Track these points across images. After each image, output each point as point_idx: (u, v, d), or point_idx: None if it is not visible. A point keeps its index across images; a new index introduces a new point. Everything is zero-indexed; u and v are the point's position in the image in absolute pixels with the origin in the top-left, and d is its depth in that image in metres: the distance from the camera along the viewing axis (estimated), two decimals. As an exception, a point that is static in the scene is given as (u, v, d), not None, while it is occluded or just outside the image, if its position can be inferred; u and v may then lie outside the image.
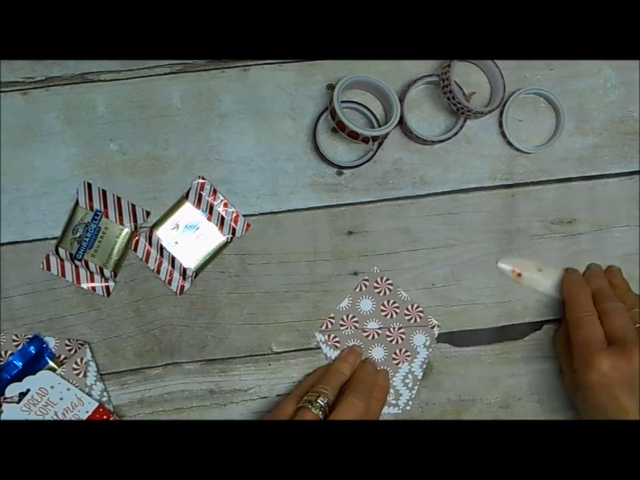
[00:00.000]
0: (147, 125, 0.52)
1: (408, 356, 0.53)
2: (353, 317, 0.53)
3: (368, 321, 0.53)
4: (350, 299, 0.53)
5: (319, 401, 0.46)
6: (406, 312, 0.53)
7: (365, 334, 0.53)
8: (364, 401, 0.47)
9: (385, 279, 0.53)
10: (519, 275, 0.53)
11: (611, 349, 0.45)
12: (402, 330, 0.53)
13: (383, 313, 0.53)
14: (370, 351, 0.53)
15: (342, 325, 0.53)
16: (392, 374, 0.53)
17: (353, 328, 0.53)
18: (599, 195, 0.54)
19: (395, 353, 0.53)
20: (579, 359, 0.46)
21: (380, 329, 0.53)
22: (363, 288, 0.53)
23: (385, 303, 0.53)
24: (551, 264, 0.53)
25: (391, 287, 0.53)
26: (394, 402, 0.53)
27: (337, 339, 0.53)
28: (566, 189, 0.54)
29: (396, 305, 0.53)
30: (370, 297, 0.53)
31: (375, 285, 0.53)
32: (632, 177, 0.54)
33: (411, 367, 0.53)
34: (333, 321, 0.53)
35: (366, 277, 0.53)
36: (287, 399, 0.49)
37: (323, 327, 0.53)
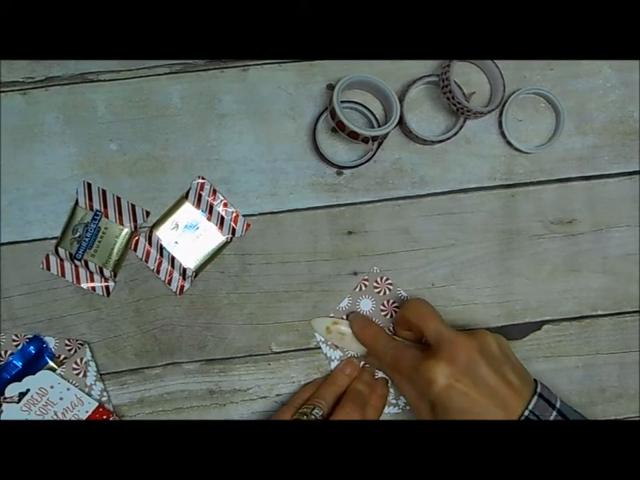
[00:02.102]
0: (146, 125, 0.52)
1: None
2: None
3: None
4: (350, 298, 0.53)
5: (314, 413, 0.46)
6: None
7: None
8: (359, 411, 0.47)
9: (384, 278, 0.53)
10: (343, 334, 0.52)
11: (433, 356, 0.44)
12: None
13: (383, 313, 0.53)
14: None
15: None
16: None
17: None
18: (599, 195, 0.54)
19: None
20: (418, 383, 0.45)
21: None
22: (363, 288, 0.53)
23: (385, 302, 0.53)
24: (548, 265, 0.54)
25: (390, 287, 0.53)
26: (394, 402, 0.53)
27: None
28: (566, 189, 0.54)
29: (396, 304, 0.53)
30: (370, 297, 0.53)
31: (375, 284, 0.53)
32: (632, 177, 0.54)
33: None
34: None
35: (366, 277, 0.53)
36: (283, 409, 0.49)
37: None
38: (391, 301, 0.53)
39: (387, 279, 0.53)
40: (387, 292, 0.53)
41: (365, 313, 0.53)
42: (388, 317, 0.53)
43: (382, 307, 0.53)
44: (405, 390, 0.47)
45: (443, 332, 0.45)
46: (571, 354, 0.54)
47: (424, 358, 0.44)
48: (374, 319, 0.53)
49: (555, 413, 0.42)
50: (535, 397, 0.42)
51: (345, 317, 0.53)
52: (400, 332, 0.51)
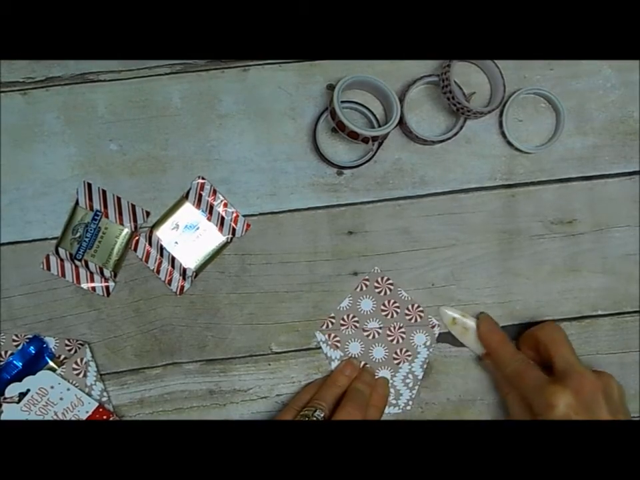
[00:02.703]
0: (146, 125, 0.52)
1: (409, 355, 0.53)
2: (354, 316, 0.53)
3: (368, 321, 0.53)
4: (350, 298, 0.53)
5: (315, 415, 0.46)
6: (406, 312, 0.53)
7: (366, 333, 0.53)
8: (360, 410, 0.47)
9: (385, 278, 0.53)
10: (467, 329, 0.53)
11: (560, 383, 0.44)
12: (402, 329, 0.53)
13: (384, 313, 0.53)
14: (371, 351, 0.53)
15: (342, 325, 0.53)
16: (392, 374, 0.53)
17: (353, 327, 0.53)
18: (599, 194, 0.54)
19: (396, 353, 0.53)
20: (536, 403, 0.45)
21: (380, 328, 0.53)
22: (364, 288, 0.53)
23: (386, 302, 0.53)
24: (548, 265, 0.54)
25: (391, 287, 0.53)
26: (394, 402, 0.53)
27: (337, 339, 0.53)
28: (566, 189, 0.54)
29: (396, 304, 0.53)
30: (370, 297, 0.53)
31: (376, 284, 0.53)
32: (632, 177, 0.54)
33: (412, 366, 0.53)
34: (333, 320, 0.53)
35: (366, 277, 0.53)
36: (284, 411, 0.50)
37: (324, 327, 0.53)
38: (392, 301, 0.53)
39: (388, 279, 0.53)
40: (388, 292, 0.53)
41: (365, 313, 0.53)
42: (389, 317, 0.53)
43: (382, 307, 0.53)
44: (515, 406, 0.48)
45: (573, 363, 0.46)
46: (571, 354, 0.54)
47: (550, 382, 0.45)
48: (375, 320, 0.53)
49: None
50: None
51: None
52: (524, 349, 0.51)
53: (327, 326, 0.53)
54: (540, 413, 0.44)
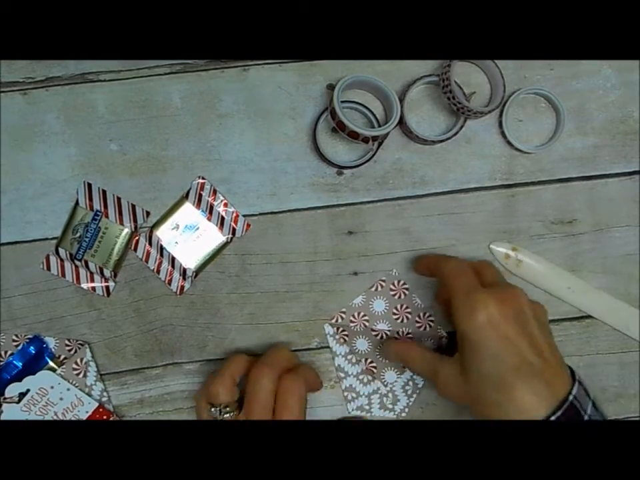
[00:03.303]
0: (146, 125, 0.52)
1: None
2: (364, 315, 0.53)
3: (378, 322, 0.53)
4: (364, 297, 0.53)
5: (225, 415, 0.45)
6: (417, 319, 0.53)
7: (374, 333, 0.53)
8: (270, 376, 0.45)
9: (402, 282, 0.53)
10: (520, 261, 0.52)
11: (492, 289, 0.43)
12: (410, 336, 0.53)
13: (395, 316, 0.53)
14: (377, 351, 0.53)
15: (352, 322, 0.53)
16: (398, 375, 0.53)
17: (362, 325, 0.53)
18: (599, 195, 0.54)
19: None
20: (462, 306, 0.42)
21: (389, 331, 0.53)
22: (379, 288, 0.53)
23: (398, 306, 0.53)
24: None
25: (406, 292, 0.53)
26: (390, 406, 0.53)
27: (345, 333, 0.53)
28: (566, 189, 0.54)
29: (408, 310, 0.53)
30: (384, 298, 0.53)
31: (392, 287, 0.53)
32: (632, 176, 0.54)
33: (414, 374, 0.53)
34: (343, 315, 0.53)
35: (383, 278, 0.53)
36: (198, 406, 0.47)
37: (333, 320, 0.53)
38: (404, 306, 0.53)
39: (404, 284, 0.53)
40: (402, 296, 0.53)
41: (376, 313, 0.53)
42: (399, 321, 0.52)
43: (394, 311, 0.53)
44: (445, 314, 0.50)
45: (500, 280, 0.46)
46: (571, 354, 0.54)
47: (479, 290, 0.43)
48: (385, 322, 0.53)
49: (590, 405, 0.40)
50: (576, 383, 0.41)
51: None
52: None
53: (337, 320, 0.53)
54: (462, 321, 0.42)
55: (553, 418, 0.39)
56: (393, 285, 0.53)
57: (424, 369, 0.47)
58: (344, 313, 0.53)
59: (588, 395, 0.41)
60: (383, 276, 0.53)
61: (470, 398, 0.43)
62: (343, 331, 0.53)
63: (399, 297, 0.53)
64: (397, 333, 0.52)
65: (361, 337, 0.53)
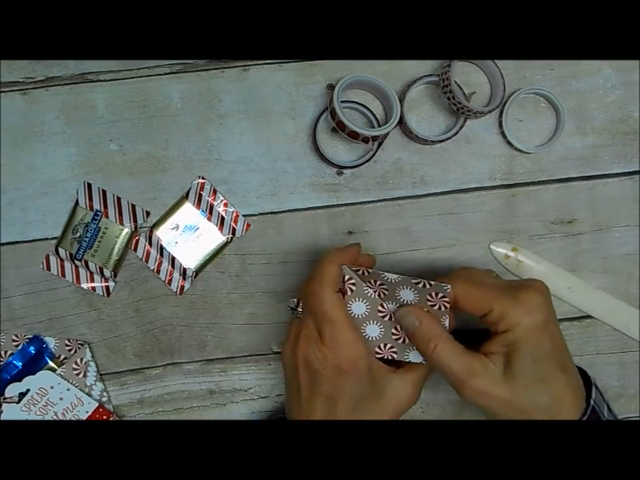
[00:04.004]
0: (146, 124, 0.52)
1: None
2: (382, 284, 0.45)
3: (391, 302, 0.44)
4: (400, 277, 0.45)
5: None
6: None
7: (381, 315, 0.44)
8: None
9: (441, 295, 0.44)
10: (520, 261, 0.51)
11: (530, 283, 0.42)
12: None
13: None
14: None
15: (369, 285, 0.44)
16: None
17: (374, 289, 0.44)
18: (599, 195, 0.54)
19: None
20: (512, 307, 0.40)
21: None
22: (427, 286, 0.45)
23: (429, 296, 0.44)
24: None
25: (447, 305, 0.44)
26: None
27: (352, 282, 0.44)
28: (566, 189, 0.54)
29: (443, 298, 0.44)
30: (414, 291, 0.44)
31: (430, 298, 0.44)
32: (632, 176, 0.54)
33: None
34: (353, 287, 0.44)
35: (431, 281, 0.45)
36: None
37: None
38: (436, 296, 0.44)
39: (444, 297, 0.44)
40: (443, 308, 0.44)
41: (404, 301, 0.44)
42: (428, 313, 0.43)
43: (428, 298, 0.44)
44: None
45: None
46: (571, 354, 0.54)
47: (514, 287, 0.41)
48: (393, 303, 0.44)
49: (606, 408, 0.40)
50: (593, 387, 0.41)
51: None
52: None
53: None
54: (510, 322, 0.40)
55: (584, 418, 0.39)
56: (431, 296, 0.44)
57: (453, 368, 0.40)
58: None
59: (603, 398, 0.42)
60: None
61: (509, 401, 0.40)
62: (351, 280, 0.44)
63: (440, 308, 0.44)
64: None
65: (359, 300, 0.44)
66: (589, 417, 0.39)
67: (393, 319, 0.44)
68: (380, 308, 0.44)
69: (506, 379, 0.40)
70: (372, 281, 0.44)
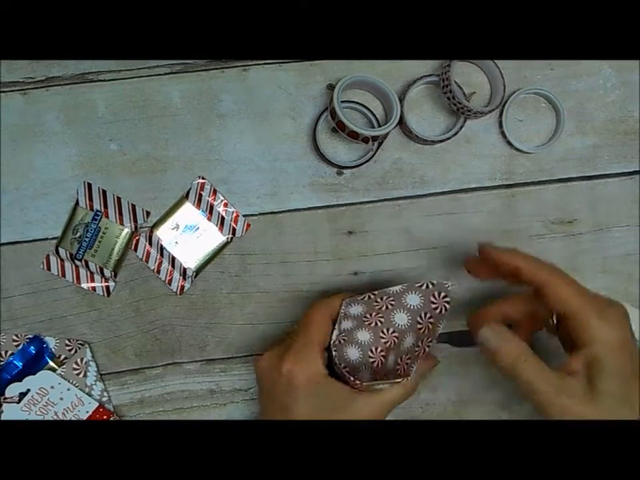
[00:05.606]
0: (146, 125, 0.52)
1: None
2: (389, 297, 0.46)
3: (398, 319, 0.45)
4: (405, 286, 0.46)
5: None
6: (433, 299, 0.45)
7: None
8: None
9: (443, 295, 0.45)
10: None
11: (609, 301, 0.42)
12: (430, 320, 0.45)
13: (419, 326, 0.45)
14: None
15: (377, 303, 0.46)
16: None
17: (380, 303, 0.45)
18: (599, 195, 0.54)
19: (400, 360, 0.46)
20: (594, 323, 0.40)
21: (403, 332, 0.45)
22: (428, 286, 0.45)
23: (422, 315, 0.45)
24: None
25: (447, 306, 0.45)
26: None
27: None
28: (566, 189, 0.54)
29: (431, 319, 0.45)
30: (421, 296, 0.45)
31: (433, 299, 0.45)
32: (632, 176, 0.54)
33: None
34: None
35: (434, 281, 0.45)
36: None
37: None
38: (428, 315, 0.45)
39: (445, 297, 0.45)
40: (443, 311, 0.45)
41: (410, 307, 0.45)
42: (422, 331, 0.45)
43: (418, 320, 0.45)
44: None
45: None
46: (571, 354, 0.54)
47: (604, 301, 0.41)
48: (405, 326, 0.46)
49: None
50: None
51: None
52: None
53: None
54: (593, 340, 0.40)
55: None
56: (434, 296, 0.45)
57: (538, 386, 0.40)
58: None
59: None
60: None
61: (594, 420, 0.40)
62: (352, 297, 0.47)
63: (440, 311, 0.45)
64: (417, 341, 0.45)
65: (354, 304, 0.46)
66: None
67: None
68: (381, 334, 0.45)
69: (591, 398, 0.40)
70: (370, 314, 0.46)
